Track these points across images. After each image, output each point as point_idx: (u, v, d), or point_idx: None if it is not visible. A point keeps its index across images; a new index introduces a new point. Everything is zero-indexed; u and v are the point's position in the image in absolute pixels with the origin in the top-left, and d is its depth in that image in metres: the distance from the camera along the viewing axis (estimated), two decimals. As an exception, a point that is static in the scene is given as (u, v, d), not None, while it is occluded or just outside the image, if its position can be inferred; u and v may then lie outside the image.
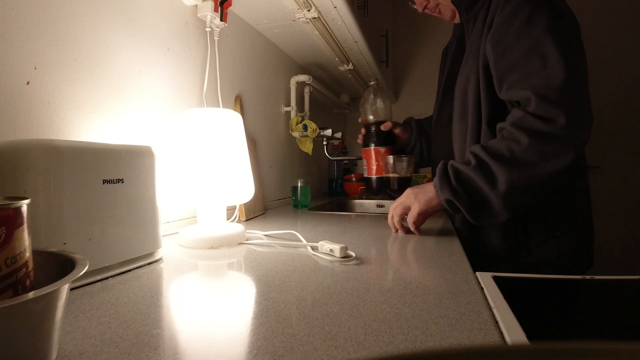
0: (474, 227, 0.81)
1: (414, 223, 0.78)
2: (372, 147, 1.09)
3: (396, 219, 0.81)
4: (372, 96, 1.12)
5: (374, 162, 1.09)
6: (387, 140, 1.10)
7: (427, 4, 0.91)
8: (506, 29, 0.71)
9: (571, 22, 0.71)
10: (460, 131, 0.84)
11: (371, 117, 1.10)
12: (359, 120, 1.17)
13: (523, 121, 0.67)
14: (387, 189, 1.06)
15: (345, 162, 2.14)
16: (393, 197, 1.09)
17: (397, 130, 1.12)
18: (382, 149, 1.08)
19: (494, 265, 0.79)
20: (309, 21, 1.13)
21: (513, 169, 0.66)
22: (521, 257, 0.79)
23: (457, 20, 0.90)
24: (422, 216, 0.77)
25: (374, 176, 1.10)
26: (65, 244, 0.43)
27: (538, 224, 0.78)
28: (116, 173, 0.50)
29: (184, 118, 0.70)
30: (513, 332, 0.35)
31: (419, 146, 1.13)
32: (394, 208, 0.82)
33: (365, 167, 1.12)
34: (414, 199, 0.77)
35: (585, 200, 0.83)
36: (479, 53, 0.78)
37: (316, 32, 1.21)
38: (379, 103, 1.12)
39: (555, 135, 0.65)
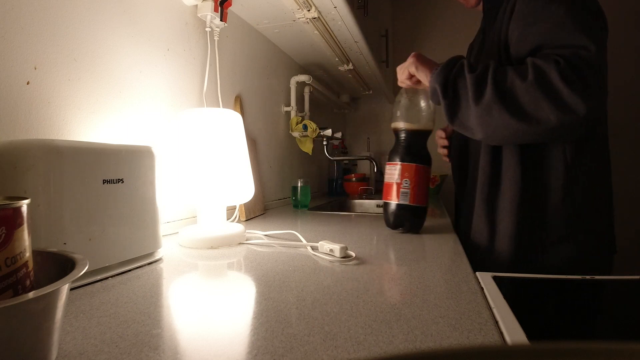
0: (489, 229, 0.77)
1: (402, 81, 0.83)
2: (417, 163, 0.80)
3: (402, 77, 0.84)
4: (406, 95, 0.85)
5: (412, 184, 0.80)
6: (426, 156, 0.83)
7: None
8: (531, 8, 0.70)
9: (592, 8, 0.70)
10: None
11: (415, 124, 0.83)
12: (392, 125, 0.87)
13: (544, 62, 0.64)
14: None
15: (345, 162, 2.14)
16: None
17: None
18: (422, 167, 0.81)
19: (505, 267, 0.75)
20: (309, 21, 1.13)
21: (500, 96, 0.65)
22: (536, 257, 0.74)
23: (480, 8, 0.88)
24: (413, 81, 0.83)
25: (409, 204, 0.79)
26: (65, 244, 0.43)
27: (556, 223, 0.74)
28: (116, 173, 0.50)
29: (184, 118, 0.70)
30: (513, 332, 0.35)
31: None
32: (399, 70, 0.84)
33: (394, 190, 0.81)
34: (415, 69, 0.79)
35: (606, 202, 0.78)
36: (498, 39, 0.76)
37: (316, 32, 1.21)
38: (422, 105, 0.84)
39: (560, 93, 0.61)
